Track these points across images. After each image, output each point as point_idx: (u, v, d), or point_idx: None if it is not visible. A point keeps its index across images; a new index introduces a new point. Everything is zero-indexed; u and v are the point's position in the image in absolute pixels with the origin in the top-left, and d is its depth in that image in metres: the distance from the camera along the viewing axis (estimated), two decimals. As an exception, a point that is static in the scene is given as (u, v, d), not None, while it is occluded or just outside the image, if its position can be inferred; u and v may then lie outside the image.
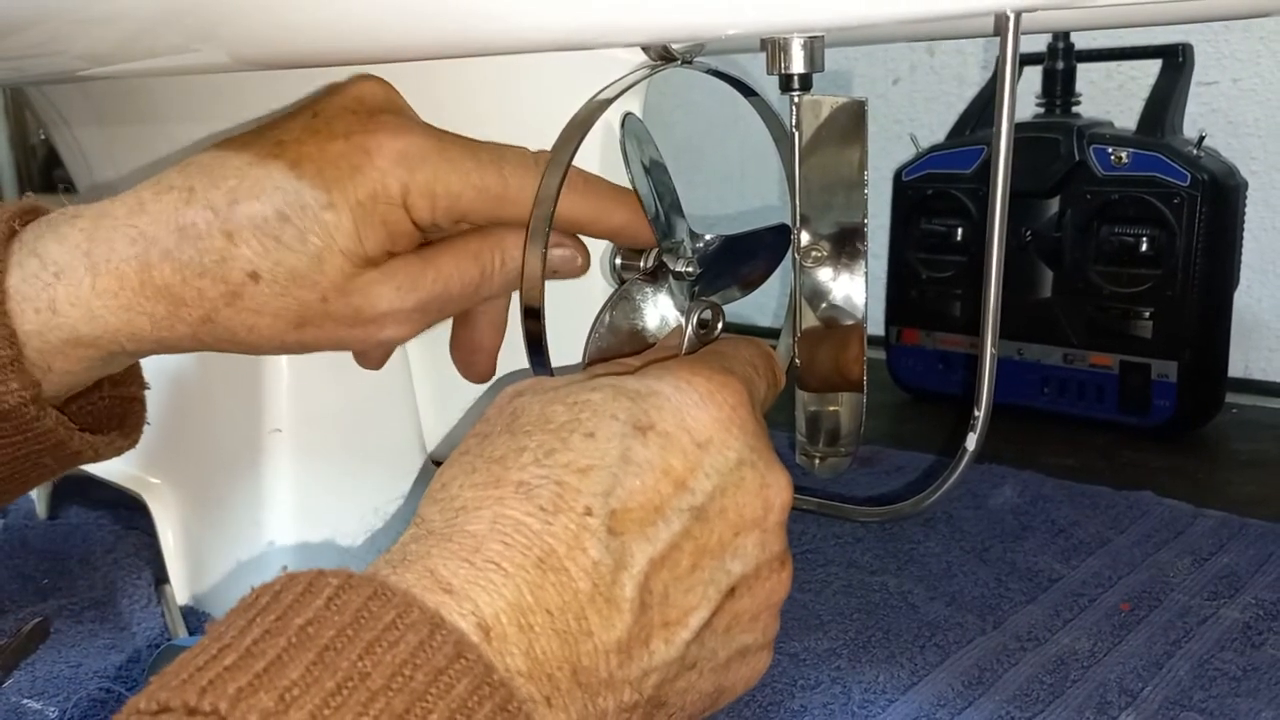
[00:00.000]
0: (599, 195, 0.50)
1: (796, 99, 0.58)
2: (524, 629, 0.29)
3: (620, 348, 0.65)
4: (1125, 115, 1.15)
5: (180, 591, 0.72)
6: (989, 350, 0.54)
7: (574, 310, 0.66)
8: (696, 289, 0.69)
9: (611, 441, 0.33)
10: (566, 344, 0.65)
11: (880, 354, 1.16)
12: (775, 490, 0.36)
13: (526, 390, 0.39)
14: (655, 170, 0.67)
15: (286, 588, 0.28)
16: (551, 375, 0.65)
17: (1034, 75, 1.09)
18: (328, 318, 0.43)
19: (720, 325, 0.46)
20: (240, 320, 0.41)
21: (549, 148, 0.63)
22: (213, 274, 0.41)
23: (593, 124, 0.63)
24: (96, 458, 0.47)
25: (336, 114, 0.45)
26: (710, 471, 0.34)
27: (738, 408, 0.36)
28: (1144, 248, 0.99)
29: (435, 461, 0.78)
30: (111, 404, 0.50)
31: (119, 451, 0.50)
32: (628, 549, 0.31)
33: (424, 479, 0.78)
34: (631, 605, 0.31)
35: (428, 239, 0.47)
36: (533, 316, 0.66)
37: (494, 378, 0.75)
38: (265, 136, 0.43)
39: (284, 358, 0.70)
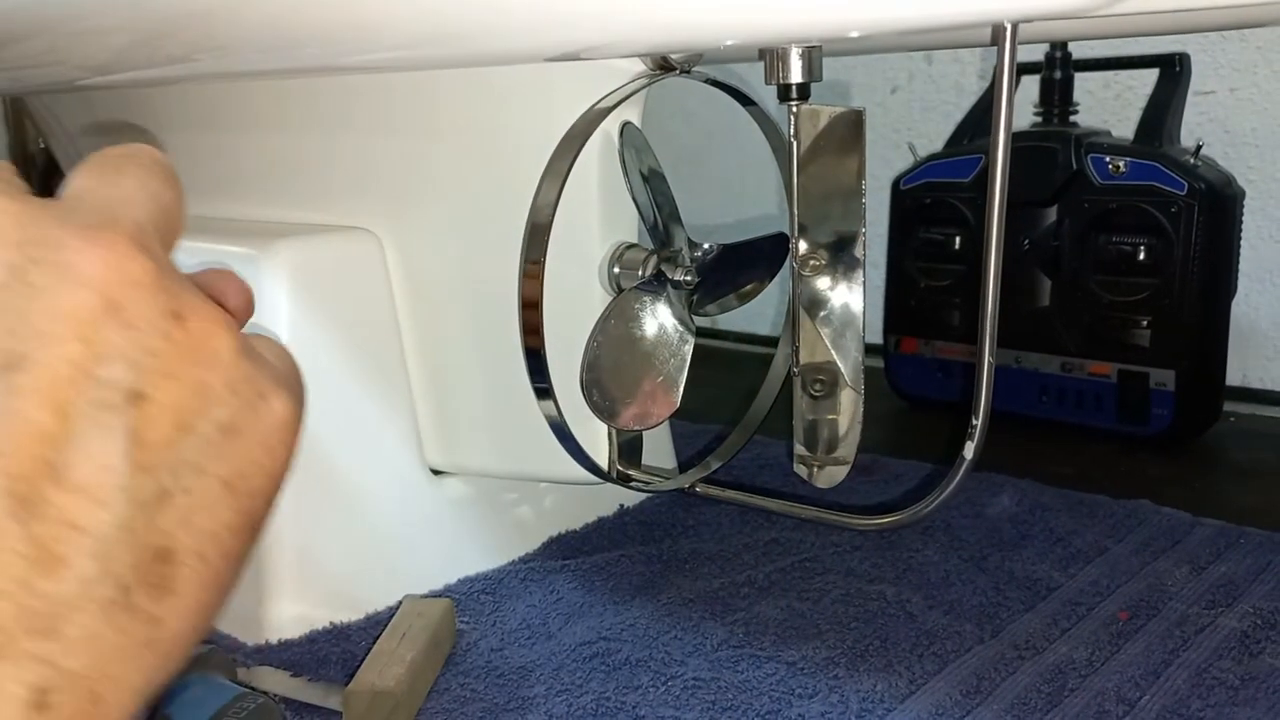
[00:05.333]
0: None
1: (795, 108, 0.59)
2: None
3: (619, 356, 0.66)
4: (1123, 124, 1.16)
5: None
6: (987, 359, 0.54)
7: (572, 319, 0.66)
8: (695, 297, 0.69)
9: None
10: (565, 352, 0.65)
11: (879, 362, 1.16)
12: (89, 261, 0.27)
13: None
14: (654, 179, 0.67)
15: None
16: (550, 388, 0.66)
17: (1032, 84, 1.09)
18: None
19: None
20: None
21: (548, 157, 0.64)
22: None
23: (591, 133, 0.63)
24: None
25: None
26: None
27: None
28: (1142, 257, 0.99)
29: (433, 471, 0.78)
30: None
31: None
32: None
33: (422, 489, 0.78)
34: (10, 513, 0.25)
35: None
36: (531, 328, 0.66)
37: (507, 382, 0.75)
38: None
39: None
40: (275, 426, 0.30)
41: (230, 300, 0.32)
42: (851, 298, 0.62)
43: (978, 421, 0.55)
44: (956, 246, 1.09)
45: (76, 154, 1.01)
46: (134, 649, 0.26)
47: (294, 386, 0.31)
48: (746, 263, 0.72)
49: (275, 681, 0.64)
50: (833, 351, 0.62)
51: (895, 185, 1.14)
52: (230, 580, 0.29)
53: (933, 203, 1.11)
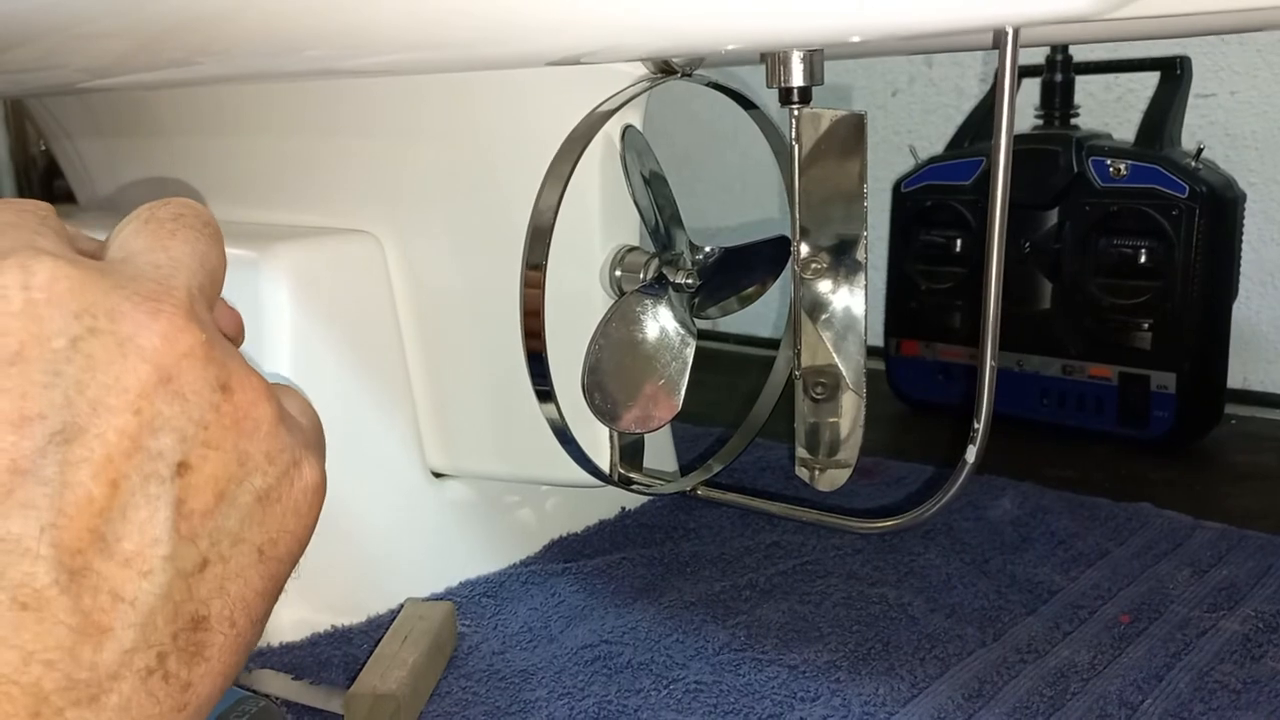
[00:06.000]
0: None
1: (796, 112, 0.59)
2: None
3: (620, 359, 0.66)
4: (1124, 127, 1.16)
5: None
6: (989, 362, 0.54)
7: (573, 322, 0.66)
8: (696, 300, 0.69)
9: None
10: (567, 355, 0.65)
11: (880, 365, 1.16)
12: (146, 334, 0.27)
13: None
14: (655, 182, 0.67)
15: None
16: (552, 391, 0.66)
17: (1033, 87, 1.09)
18: None
19: None
20: None
21: (550, 160, 0.64)
22: None
23: (593, 136, 0.63)
24: None
25: None
26: (46, 380, 0.26)
27: (30, 285, 0.26)
28: (1143, 259, 0.99)
29: (435, 474, 0.78)
30: None
31: None
32: (4, 538, 0.25)
33: (423, 492, 0.78)
34: (60, 587, 0.25)
35: None
36: (532, 331, 0.66)
37: (507, 386, 0.75)
38: None
39: (285, 370, 0.70)
40: (305, 491, 0.31)
41: (221, 325, 0.32)
42: (853, 301, 0.62)
43: (980, 425, 0.55)
44: (958, 249, 1.10)
45: (79, 157, 1.02)
46: (166, 715, 0.27)
47: (319, 446, 0.32)
48: (748, 266, 0.72)
49: (277, 684, 0.64)
50: (834, 354, 0.62)
51: (896, 188, 1.14)
52: (254, 642, 0.30)
53: (934, 205, 1.11)
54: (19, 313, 0.26)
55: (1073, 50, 1.08)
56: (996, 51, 0.50)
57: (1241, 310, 1.08)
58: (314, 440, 0.32)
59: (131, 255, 0.30)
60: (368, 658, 0.63)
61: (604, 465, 0.70)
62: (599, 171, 0.65)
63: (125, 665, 0.26)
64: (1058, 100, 1.08)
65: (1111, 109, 1.19)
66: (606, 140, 0.65)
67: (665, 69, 0.64)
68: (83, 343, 0.26)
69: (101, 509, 0.26)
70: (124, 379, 0.27)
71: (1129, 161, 0.99)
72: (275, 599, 0.30)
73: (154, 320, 0.27)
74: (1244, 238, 1.02)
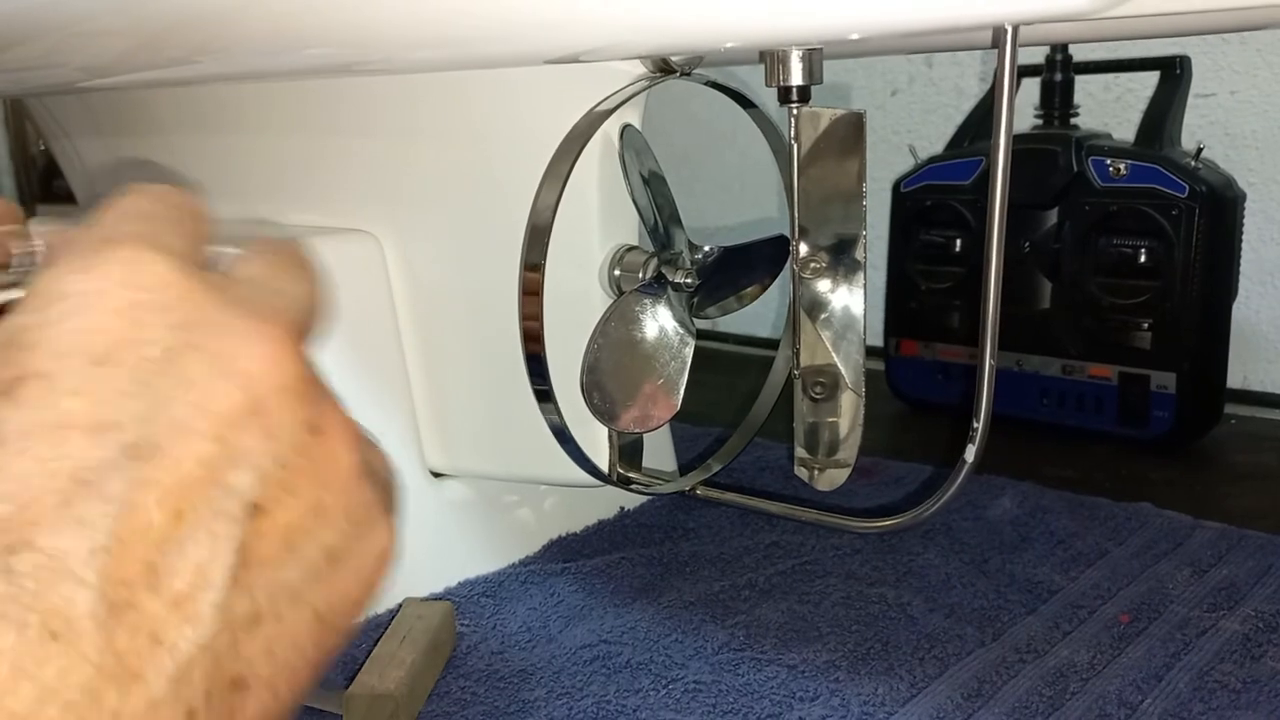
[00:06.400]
0: None
1: (795, 111, 0.59)
2: None
3: (619, 358, 0.66)
4: (1123, 127, 1.16)
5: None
6: (988, 361, 0.54)
7: (572, 322, 0.66)
8: (695, 300, 0.69)
9: None
10: (565, 355, 0.65)
11: (879, 365, 1.16)
12: (249, 358, 0.26)
13: None
14: (654, 182, 0.67)
15: None
16: (551, 390, 0.65)
17: (1032, 86, 1.09)
18: None
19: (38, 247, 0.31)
20: None
21: (549, 159, 0.64)
22: None
23: (592, 136, 0.63)
24: None
25: None
26: (131, 388, 0.24)
27: (136, 284, 0.25)
28: (1142, 259, 0.99)
29: (434, 473, 0.78)
30: None
31: None
32: (51, 554, 0.23)
33: (422, 491, 0.78)
34: (96, 620, 0.23)
35: None
36: (531, 332, 0.66)
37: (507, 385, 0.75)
38: None
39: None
40: (374, 558, 0.28)
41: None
42: (852, 300, 0.62)
43: (979, 424, 0.55)
44: (957, 249, 1.09)
45: (78, 157, 1.01)
46: None
47: (395, 506, 0.30)
48: (747, 265, 0.72)
49: (275, 684, 0.64)
50: (833, 354, 0.62)
51: (896, 187, 1.14)
52: (290, 715, 0.27)
53: (933, 205, 1.10)
54: (117, 310, 0.24)
55: (1072, 50, 1.07)
56: (996, 51, 0.50)
57: (1241, 310, 1.08)
58: (392, 502, 0.29)
59: (249, 279, 0.28)
60: (366, 657, 0.62)
61: (603, 465, 0.70)
62: (598, 171, 0.65)
63: (149, 718, 0.23)
64: (1057, 100, 1.07)
65: (1111, 109, 1.19)
66: (605, 139, 0.64)
67: (664, 68, 0.64)
68: (179, 356, 0.25)
69: (160, 540, 0.24)
70: (214, 402, 0.25)
71: (1129, 161, 0.99)
72: (321, 672, 0.27)
73: (257, 345, 0.26)
74: (1244, 237, 1.02)
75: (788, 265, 0.65)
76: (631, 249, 0.67)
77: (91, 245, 0.25)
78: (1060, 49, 1.06)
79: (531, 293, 0.64)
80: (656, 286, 0.66)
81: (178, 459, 0.24)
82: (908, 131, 1.32)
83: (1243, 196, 1.01)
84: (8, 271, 0.28)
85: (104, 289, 0.25)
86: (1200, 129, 1.13)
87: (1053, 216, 1.04)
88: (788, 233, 0.63)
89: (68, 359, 0.24)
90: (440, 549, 0.76)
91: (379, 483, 0.29)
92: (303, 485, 0.26)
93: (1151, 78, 1.08)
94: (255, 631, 0.25)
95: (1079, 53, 1.09)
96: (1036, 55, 1.08)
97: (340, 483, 0.27)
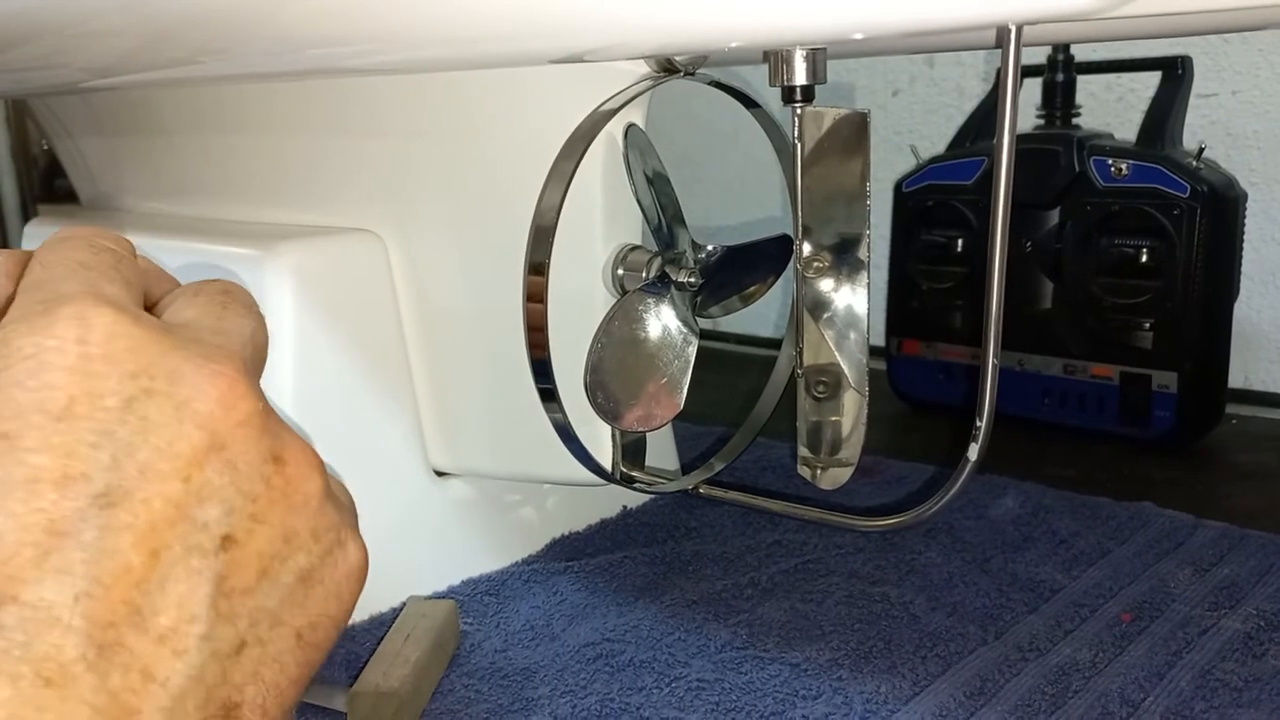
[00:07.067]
0: None
1: (799, 110, 0.59)
2: None
3: (623, 358, 0.66)
4: (1125, 127, 1.16)
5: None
6: (991, 361, 0.54)
7: (576, 321, 0.66)
8: (699, 299, 0.69)
9: None
10: (569, 354, 0.65)
11: (881, 365, 1.16)
12: (204, 399, 0.26)
13: None
14: (658, 181, 0.67)
15: None
16: (555, 390, 0.66)
17: (1034, 87, 1.09)
18: None
19: None
20: None
21: (553, 159, 0.64)
22: None
23: (596, 135, 0.63)
24: None
25: None
26: (95, 439, 0.25)
27: (86, 339, 0.25)
28: (1144, 259, 0.99)
29: (437, 472, 0.78)
30: None
31: None
32: (36, 606, 0.23)
33: (425, 490, 0.78)
34: (87, 663, 0.23)
35: None
36: (535, 331, 0.66)
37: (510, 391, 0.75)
38: None
39: (288, 368, 0.70)
40: (347, 574, 0.29)
41: None
42: (855, 300, 0.62)
43: (982, 424, 0.55)
44: (959, 249, 1.10)
45: (81, 156, 1.02)
46: None
47: (358, 526, 0.31)
48: (750, 265, 0.72)
49: (279, 682, 0.64)
50: (836, 353, 0.62)
51: (898, 187, 1.14)
52: None
53: (935, 205, 1.11)
54: (71, 367, 0.25)
55: (1074, 50, 1.08)
56: (998, 51, 0.50)
57: (1243, 310, 1.08)
58: (355, 520, 0.31)
59: (188, 322, 0.29)
60: (370, 655, 0.63)
61: (606, 464, 0.70)
62: (601, 170, 0.65)
63: None
64: (1059, 100, 1.08)
65: (1113, 109, 1.19)
66: (609, 139, 0.65)
67: (668, 68, 0.64)
68: (137, 404, 0.25)
69: (139, 580, 0.25)
70: (176, 444, 0.26)
71: (1130, 161, 0.99)
72: (306, 688, 0.29)
73: (212, 385, 0.26)
74: (1245, 237, 1.02)
75: (791, 265, 0.65)
76: (635, 248, 0.67)
77: (39, 303, 0.26)
78: (1062, 49, 1.07)
79: (535, 292, 0.64)
80: (660, 286, 0.66)
81: (147, 501, 0.25)
82: (909, 131, 1.32)
83: (1244, 196, 1.01)
84: None
85: (56, 346, 0.25)
86: (1202, 129, 1.13)
87: (1054, 216, 1.04)
88: (791, 232, 0.63)
89: (29, 417, 0.25)
90: (444, 547, 0.76)
91: (342, 504, 0.30)
92: (271, 514, 0.27)
93: (1153, 78, 1.08)
94: (241, 657, 0.26)
95: (1080, 53, 1.09)
96: (1038, 55, 1.09)
97: (306, 507, 0.28)
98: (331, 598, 0.29)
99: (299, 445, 0.28)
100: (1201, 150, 0.99)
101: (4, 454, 0.24)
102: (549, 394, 0.65)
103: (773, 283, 0.74)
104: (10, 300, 0.28)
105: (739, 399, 0.90)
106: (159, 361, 0.26)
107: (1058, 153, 1.02)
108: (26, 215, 1.60)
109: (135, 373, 0.26)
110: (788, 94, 0.58)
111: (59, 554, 0.24)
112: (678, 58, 0.63)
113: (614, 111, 0.63)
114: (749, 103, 0.71)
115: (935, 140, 1.29)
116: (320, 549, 0.29)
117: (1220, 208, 0.97)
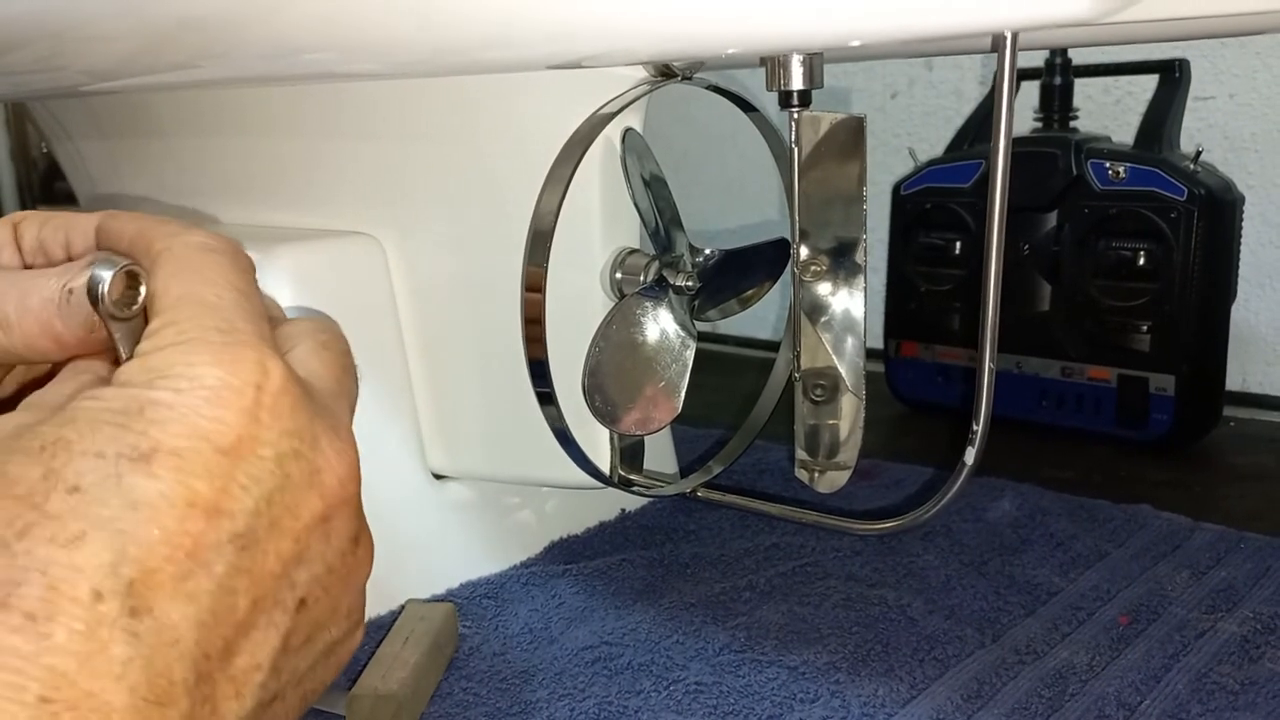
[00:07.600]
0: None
1: (796, 115, 0.59)
2: None
3: (621, 361, 0.66)
4: (1123, 130, 1.16)
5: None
6: (987, 364, 0.54)
7: (574, 324, 0.66)
8: (696, 302, 0.69)
9: (105, 488, 0.25)
10: (567, 357, 0.65)
11: (879, 367, 1.16)
12: (331, 471, 0.29)
13: None
14: (655, 185, 0.67)
15: None
16: (553, 393, 0.66)
17: (1031, 89, 1.09)
18: None
19: (144, 290, 0.31)
20: None
21: (551, 163, 0.64)
22: None
23: (593, 139, 0.63)
24: None
25: None
26: (247, 482, 0.27)
27: (263, 386, 0.27)
28: (1141, 262, 0.99)
29: (435, 475, 0.78)
30: None
31: None
32: (164, 623, 0.25)
33: (424, 493, 0.78)
34: (186, 687, 0.25)
35: None
36: (533, 334, 0.66)
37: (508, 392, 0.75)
38: None
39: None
40: (348, 654, 0.32)
41: None
42: (852, 303, 0.62)
43: (979, 426, 0.55)
44: (957, 251, 1.10)
45: (80, 159, 1.02)
46: None
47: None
48: (748, 268, 0.72)
49: (278, 685, 0.64)
50: (834, 356, 0.63)
51: (895, 190, 1.14)
52: None
53: (933, 208, 1.11)
54: (245, 410, 0.27)
55: (1072, 53, 1.08)
56: (995, 54, 0.50)
57: (1240, 312, 1.08)
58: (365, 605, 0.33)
59: (313, 377, 0.31)
60: (369, 658, 0.63)
61: (604, 467, 0.70)
62: (599, 174, 0.65)
63: None
64: (1057, 103, 1.08)
65: (1110, 112, 1.19)
66: (607, 143, 0.65)
67: (665, 72, 0.64)
68: (285, 461, 0.28)
69: (239, 622, 0.26)
70: (300, 507, 0.28)
71: (1128, 164, 0.99)
72: None
73: (340, 460, 0.29)
74: (1243, 240, 1.02)
75: (788, 268, 0.65)
76: (633, 252, 0.68)
77: (218, 333, 0.28)
78: (1059, 53, 1.07)
79: (533, 296, 0.64)
80: (658, 289, 0.67)
81: (267, 554, 0.27)
82: (907, 134, 1.33)
83: (1241, 199, 1.02)
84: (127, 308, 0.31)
85: (239, 387, 0.27)
86: (1199, 132, 1.13)
87: (1052, 219, 1.04)
88: (788, 236, 0.63)
89: (198, 442, 0.26)
90: (442, 551, 0.77)
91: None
92: (335, 587, 0.30)
93: (1150, 81, 1.09)
94: (269, 710, 0.28)
95: (1078, 56, 1.09)
96: (1036, 59, 1.09)
97: (356, 589, 0.31)
98: (333, 670, 0.31)
99: (369, 533, 0.31)
100: (1199, 153, 0.99)
101: (172, 470, 0.26)
102: (547, 397, 0.66)
103: (770, 286, 0.74)
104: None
105: (737, 402, 0.90)
106: (307, 426, 0.28)
107: (1055, 155, 1.02)
108: (25, 218, 1.59)
109: (291, 431, 0.28)
110: (785, 99, 0.58)
111: (194, 580, 0.26)
112: (675, 63, 0.63)
113: (612, 115, 0.63)
114: (746, 107, 0.71)
115: (933, 143, 1.29)
116: (348, 626, 0.31)
117: (1218, 210, 0.97)
